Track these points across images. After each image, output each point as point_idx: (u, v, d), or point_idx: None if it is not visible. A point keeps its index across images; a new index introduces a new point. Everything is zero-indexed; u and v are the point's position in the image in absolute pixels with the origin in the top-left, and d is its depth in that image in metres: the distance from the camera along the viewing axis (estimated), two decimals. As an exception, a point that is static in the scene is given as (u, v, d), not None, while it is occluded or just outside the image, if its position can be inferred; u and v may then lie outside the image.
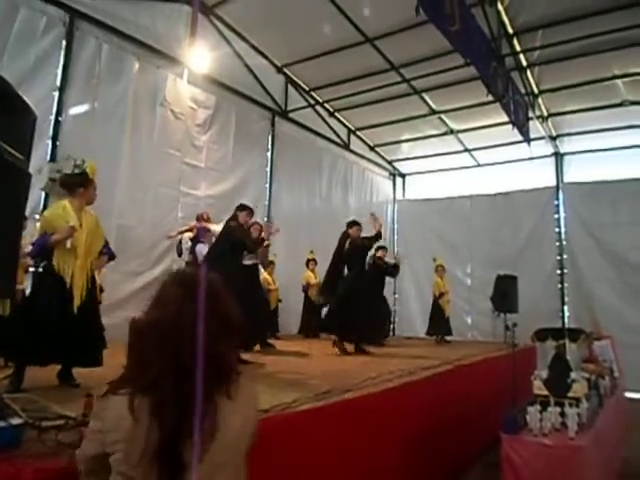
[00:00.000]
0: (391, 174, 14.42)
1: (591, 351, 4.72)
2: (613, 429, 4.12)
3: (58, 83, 6.58)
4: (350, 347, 6.68)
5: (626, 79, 9.03)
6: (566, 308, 11.12)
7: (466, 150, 12.50)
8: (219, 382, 1.43)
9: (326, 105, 11.44)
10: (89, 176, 3.91)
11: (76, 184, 3.85)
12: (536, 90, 9.79)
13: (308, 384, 4.01)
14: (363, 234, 7.02)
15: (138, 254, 7.45)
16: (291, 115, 10.68)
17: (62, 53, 6.64)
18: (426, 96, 10.59)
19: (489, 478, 4.29)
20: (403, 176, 14.54)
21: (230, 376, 1.47)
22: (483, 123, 10.99)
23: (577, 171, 11.53)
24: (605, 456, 3.57)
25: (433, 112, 11.10)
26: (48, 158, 6.25)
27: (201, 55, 8.21)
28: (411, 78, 9.88)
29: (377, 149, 13.38)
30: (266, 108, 10.17)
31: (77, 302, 3.62)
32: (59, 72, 6.60)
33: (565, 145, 11.53)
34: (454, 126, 11.62)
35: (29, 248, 4.08)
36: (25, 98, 2.37)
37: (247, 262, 6.39)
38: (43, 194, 5.93)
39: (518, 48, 8.65)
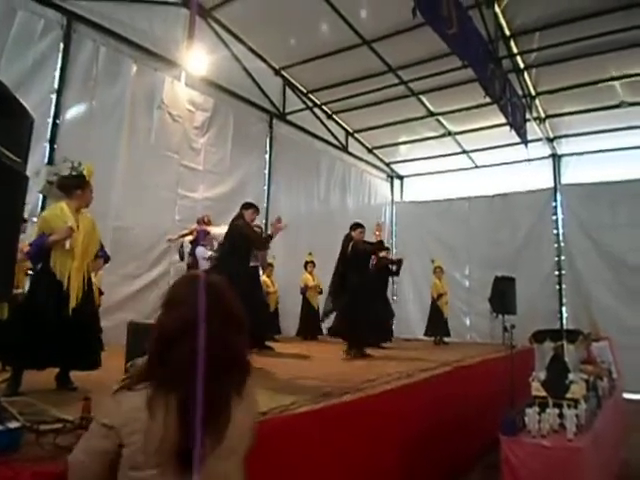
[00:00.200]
0: (389, 176, 14.44)
1: (589, 352, 4.72)
2: (612, 430, 4.13)
3: (56, 86, 6.57)
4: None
5: (623, 80, 9.06)
6: (564, 309, 11.13)
7: (464, 152, 12.52)
8: (233, 380, 1.50)
9: (324, 107, 11.45)
10: (86, 178, 3.90)
11: (73, 186, 3.83)
12: (533, 92, 9.82)
13: (306, 386, 4.01)
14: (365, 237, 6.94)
15: (135, 256, 7.44)
16: (289, 117, 10.69)
17: (60, 56, 6.64)
18: (424, 98, 10.61)
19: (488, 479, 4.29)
20: (401, 178, 14.56)
21: (244, 374, 1.54)
22: (481, 125, 11.01)
23: (575, 172, 11.55)
24: (604, 457, 3.57)
25: (431, 114, 11.12)
26: (46, 161, 6.26)
27: (199, 58, 8.21)
28: (409, 80, 9.90)
29: (375, 151, 13.41)
30: (264, 110, 10.17)
31: (73, 304, 3.61)
32: (57, 75, 6.60)
33: (563, 147, 11.56)
34: (452, 128, 11.64)
35: (27, 248, 4.08)
36: (22, 101, 2.37)
37: (251, 264, 6.35)
38: (41, 197, 5.92)
39: (515, 50, 8.68)
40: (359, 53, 9.14)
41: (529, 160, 11.17)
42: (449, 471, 4.63)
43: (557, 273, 11.32)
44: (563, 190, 11.60)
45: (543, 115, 10.49)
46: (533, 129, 9.88)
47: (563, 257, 11.28)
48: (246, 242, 5.55)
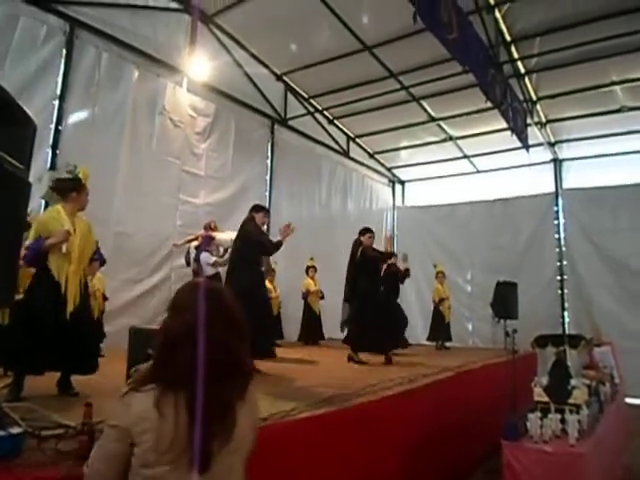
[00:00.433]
0: (390, 181, 14.46)
1: (591, 357, 4.72)
2: (614, 435, 4.11)
3: (58, 92, 6.61)
4: (364, 357, 6.54)
5: (624, 85, 9.07)
6: (566, 314, 11.10)
7: (465, 157, 12.53)
8: (236, 383, 1.55)
9: (325, 112, 11.49)
10: (82, 181, 3.88)
11: (68, 189, 3.81)
12: (534, 97, 9.83)
13: (307, 392, 4.00)
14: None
15: (136, 262, 7.46)
16: (290, 123, 10.71)
17: (62, 62, 6.68)
18: (425, 103, 10.64)
19: (490, 485, 4.28)
20: (402, 183, 14.58)
21: (246, 378, 1.59)
22: (482, 130, 11.04)
23: (576, 177, 11.55)
24: (606, 463, 3.56)
25: (432, 119, 11.14)
26: (48, 166, 6.28)
27: (200, 63, 8.23)
28: (410, 85, 9.93)
29: (376, 156, 13.43)
30: (265, 116, 10.20)
31: (71, 308, 3.60)
32: (59, 81, 6.64)
33: (564, 151, 11.57)
34: (453, 133, 11.66)
35: (23, 252, 4.07)
36: (25, 108, 2.38)
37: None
38: (43, 202, 5.93)
39: (516, 55, 8.70)
40: (360, 59, 9.17)
41: (530, 165, 11.22)
42: (451, 476, 4.62)
43: (559, 278, 11.30)
44: (564, 195, 11.59)
45: (544, 120, 10.50)
46: (534, 134, 9.89)
47: (565, 262, 11.26)
48: (259, 249, 5.45)
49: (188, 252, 7.77)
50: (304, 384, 4.44)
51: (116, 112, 7.32)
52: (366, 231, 6.82)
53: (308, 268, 9.97)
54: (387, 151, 13.12)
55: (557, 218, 11.54)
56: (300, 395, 3.75)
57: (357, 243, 6.76)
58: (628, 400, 5.96)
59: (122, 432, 1.45)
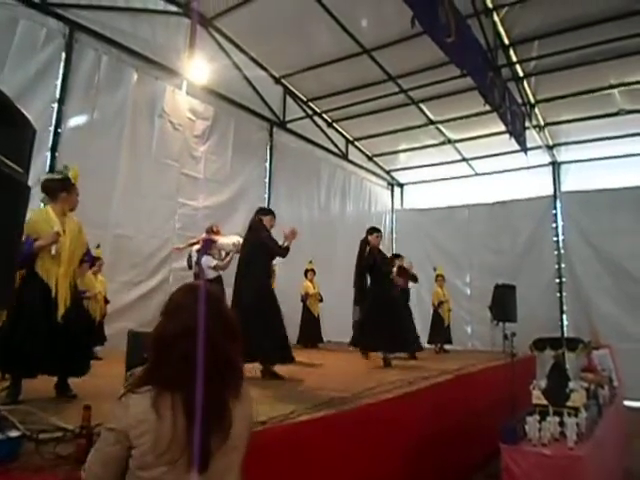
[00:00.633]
0: (389, 184, 14.47)
1: (590, 360, 4.72)
2: (613, 438, 4.11)
3: (57, 95, 6.61)
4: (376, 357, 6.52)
5: (622, 88, 9.09)
6: (565, 317, 11.11)
7: (464, 159, 12.55)
8: (230, 383, 1.57)
9: (324, 115, 11.50)
10: (71, 181, 3.84)
11: (58, 189, 3.77)
12: (533, 100, 9.86)
13: (307, 395, 4.00)
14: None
15: (135, 264, 7.46)
16: (289, 126, 10.72)
17: (61, 65, 6.68)
18: (423, 106, 10.66)
19: (489, 488, 4.27)
20: (401, 186, 14.59)
21: (238, 379, 1.61)
22: (480, 133, 11.05)
23: (574, 180, 11.56)
24: (605, 466, 3.55)
25: (431, 122, 11.16)
26: (47, 169, 6.26)
27: (200, 66, 8.24)
28: (408, 89, 9.95)
29: (375, 159, 13.44)
30: (264, 119, 10.20)
31: (61, 311, 3.57)
32: (58, 84, 6.63)
33: (562, 154, 11.59)
34: (452, 136, 11.68)
35: None
36: (24, 111, 2.38)
37: None
38: (42, 205, 5.93)
39: (514, 59, 8.72)
40: (359, 62, 9.19)
41: (529, 168, 11.23)
42: (450, 479, 4.62)
43: (557, 280, 11.31)
44: (563, 197, 11.61)
45: (542, 123, 10.52)
46: (532, 137, 9.92)
47: (563, 264, 11.27)
48: (272, 254, 5.41)
49: (190, 255, 7.76)
50: (303, 387, 4.44)
51: (115, 115, 7.33)
52: (374, 230, 6.79)
53: (307, 271, 9.96)
54: (386, 154, 13.13)
55: (555, 221, 11.56)
56: (299, 398, 3.74)
57: (364, 242, 6.70)
58: (627, 403, 5.96)
59: (120, 435, 1.45)
